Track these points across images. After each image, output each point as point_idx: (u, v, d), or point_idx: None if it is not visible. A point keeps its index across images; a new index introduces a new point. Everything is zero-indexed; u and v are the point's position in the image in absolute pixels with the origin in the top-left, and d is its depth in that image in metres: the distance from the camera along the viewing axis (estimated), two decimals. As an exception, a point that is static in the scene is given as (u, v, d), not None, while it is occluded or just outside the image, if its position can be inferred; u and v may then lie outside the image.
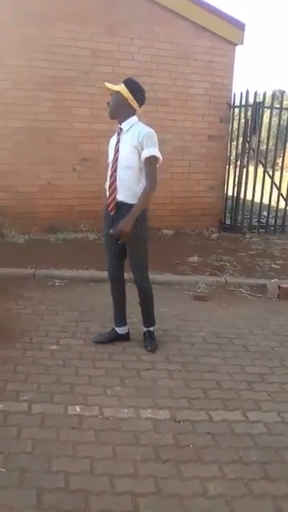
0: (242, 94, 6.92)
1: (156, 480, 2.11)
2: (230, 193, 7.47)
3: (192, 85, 6.78)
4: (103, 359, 3.20)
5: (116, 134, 3.18)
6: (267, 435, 2.48)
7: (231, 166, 7.53)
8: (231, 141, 7.33)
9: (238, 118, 7.17)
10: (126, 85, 3.06)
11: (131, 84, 3.08)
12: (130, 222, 2.98)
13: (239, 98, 6.96)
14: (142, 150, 3.01)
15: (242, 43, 6.86)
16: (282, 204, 7.58)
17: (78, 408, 2.62)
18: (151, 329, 3.46)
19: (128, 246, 3.20)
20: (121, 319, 3.47)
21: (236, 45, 6.88)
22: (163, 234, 6.68)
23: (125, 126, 3.10)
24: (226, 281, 4.92)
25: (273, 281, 4.87)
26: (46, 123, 6.16)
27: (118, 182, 3.09)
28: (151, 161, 3.03)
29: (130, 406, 2.66)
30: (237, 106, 7.07)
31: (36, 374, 2.95)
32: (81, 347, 3.36)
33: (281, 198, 7.53)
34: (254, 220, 7.47)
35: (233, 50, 6.90)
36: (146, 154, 3.00)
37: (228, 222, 7.47)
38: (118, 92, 3.06)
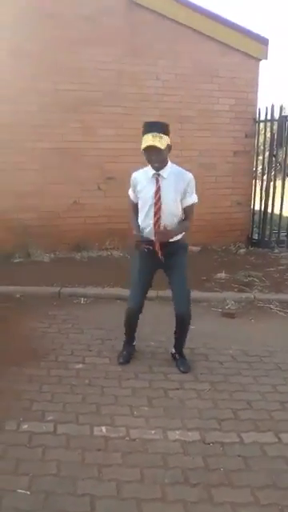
0: (267, 108, 6.86)
1: (185, 505, 2.02)
2: (257, 207, 7.36)
3: (216, 101, 6.77)
4: (130, 378, 3.14)
5: (153, 180, 3.09)
6: (302, 458, 2.36)
7: (258, 181, 7.44)
8: (257, 155, 7.26)
9: (263, 132, 7.11)
10: (167, 134, 2.99)
11: (168, 128, 3.01)
12: (173, 235, 3.15)
13: (264, 112, 6.91)
14: (185, 196, 3.12)
15: (265, 58, 6.83)
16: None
17: (103, 429, 2.56)
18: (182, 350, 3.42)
19: (176, 274, 3.22)
20: (133, 338, 3.52)
21: (260, 60, 6.86)
22: (190, 250, 6.57)
23: (164, 172, 3.08)
24: (254, 297, 4.80)
25: (304, 297, 4.73)
26: (72, 144, 6.24)
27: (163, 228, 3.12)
28: (193, 206, 3.25)
29: (157, 427, 2.59)
30: (262, 121, 7.01)
31: (61, 394, 2.91)
32: (107, 366, 3.31)
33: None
34: (282, 234, 7.32)
35: (257, 65, 6.88)
36: (190, 201, 3.18)
37: (256, 236, 7.35)
38: (165, 145, 2.96)
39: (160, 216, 3.09)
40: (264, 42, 6.76)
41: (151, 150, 2.96)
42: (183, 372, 3.26)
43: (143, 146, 2.96)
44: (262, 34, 6.76)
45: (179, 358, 3.37)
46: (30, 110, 6.02)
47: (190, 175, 3.13)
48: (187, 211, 3.21)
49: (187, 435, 2.53)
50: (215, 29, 6.52)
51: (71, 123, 6.21)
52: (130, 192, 3.33)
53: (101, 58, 6.17)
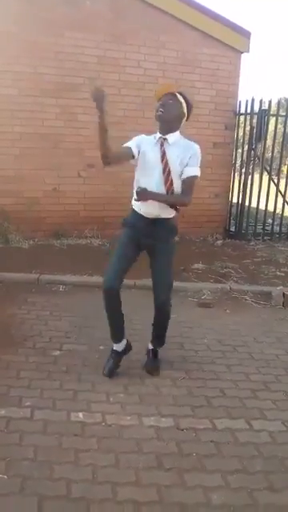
0: (247, 101, 6.93)
1: (159, 488, 2.09)
2: (234, 200, 7.46)
3: (198, 92, 6.77)
4: (106, 366, 3.18)
5: (158, 144, 2.89)
6: (272, 444, 2.46)
7: (236, 174, 7.52)
8: (236, 148, 7.33)
9: (243, 125, 7.18)
10: (182, 95, 2.88)
11: (185, 96, 2.91)
12: (153, 196, 2.81)
13: (245, 105, 6.97)
14: (186, 165, 2.87)
15: (247, 51, 6.88)
16: (287, 211, 7.56)
17: (80, 415, 2.60)
18: (158, 349, 3.26)
19: (161, 260, 3.01)
20: (121, 332, 3.12)
21: (242, 53, 6.90)
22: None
23: (170, 137, 2.88)
24: (230, 288, 4.90)
25: (278, 288, 4.85)
26: (52, 129, 6.18)
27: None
28: (193, 179, 2.92)
29: (133, 414, 2.65)
30: (242, 114, 7.08)
31: (39, 380, 2.93)
32: (84, 353, 3.34)
33: (286, 205, 7.51)
34: (258, 227, 7.45)
35: (238, 58, 6.92)
36: (191, 172, 2.88)
37: (233, 229, 7.45)
38: (178, 100, 2.86)
39: (172, 180, 2.85)
40: (246, 34, 6.80)
41: (165, 99, 2.81)
42: (147, 372, 3.10)
43: (160, 94, 2.84)
44: (245, 27, 6.81)
45: (151, 356, 3.20)
46: (10, 94, 5.93)
47: (196, 146, 2.92)
48: (184, 184, 2.88)
49: (162, 421, 2.59)
50: (198, 19, 6.52)
51: (52, 108, 6.13)
52: (131, 143, 2.93)
53: (82, 42, 6.10)
